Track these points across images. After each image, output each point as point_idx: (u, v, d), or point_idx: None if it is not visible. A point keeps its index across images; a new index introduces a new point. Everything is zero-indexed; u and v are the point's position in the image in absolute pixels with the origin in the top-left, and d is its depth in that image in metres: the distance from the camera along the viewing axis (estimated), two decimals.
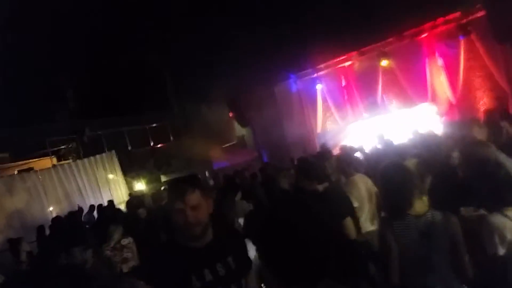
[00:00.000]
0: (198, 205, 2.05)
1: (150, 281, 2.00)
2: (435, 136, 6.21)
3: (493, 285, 2.43)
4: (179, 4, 13.76)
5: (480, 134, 3.84)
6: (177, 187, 2.12)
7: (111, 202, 10.89)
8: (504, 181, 2.39)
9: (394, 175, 2.60)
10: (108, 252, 5.40)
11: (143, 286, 1.94)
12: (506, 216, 2.33)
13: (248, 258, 2.26)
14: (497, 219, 2.33)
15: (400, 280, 2.55)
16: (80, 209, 10.66)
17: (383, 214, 2.74)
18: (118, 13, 14.35)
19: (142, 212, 7.25)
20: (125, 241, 5.49)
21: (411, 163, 3.38)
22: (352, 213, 3.77)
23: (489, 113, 7.88)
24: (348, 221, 3.64)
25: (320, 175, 3.83)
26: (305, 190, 3.61)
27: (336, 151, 9.37)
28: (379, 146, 8.15)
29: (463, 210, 2.39)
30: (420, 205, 2.55)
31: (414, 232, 2.47)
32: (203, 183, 2.26)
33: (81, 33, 14.79)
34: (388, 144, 7.99)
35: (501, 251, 2.31)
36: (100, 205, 10.77)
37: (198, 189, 2.09)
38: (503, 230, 2.29)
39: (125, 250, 5.46)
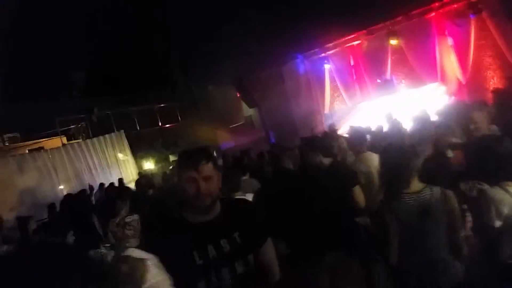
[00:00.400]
0: (210, 176, 2.04)
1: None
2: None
3: (487, 256, 2.48)
4: None
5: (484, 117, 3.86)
6: (191, 157, 2.09)
7: (120, 180, 11.09)
8: (505, 156, 2.43)
9: (392, 155, 2.69)
10: (113, 228, 5.56)
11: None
12: (506, 190, 2.37)
13: (258, 233, 2.18)
14: (496, 192, 2.37)
15: (399, 258, 2.62)
16: (91, 187, 10.84)
17: (381, 193, 2.81)
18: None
19: (151, 191, 7.37)
20: (129, 218, 5.62)
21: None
22: (359, 183, 3.80)
23: (498, 92, 7.79)
24: (357, 190, 3.69)
25: (325, 148, 3.87)
26: (310, 165, 3.65)
27: (344, 131, 9.40)
28: (387, 126, 8.13)
29: (462, 185, 2.43)
30: (417, 183, 2.62)
31: (412, 209, 2.53)
32: (215, 158, 2.21)
33: (91, 13, 14.77)
34: (395, 124, 7.98)
35: (497, 223, 2.35)
36: (110, 183, 10.95)
37: (211, 161, 2.08)
38: (500, 203, 2.33)
39: (127, 227, 5.58)
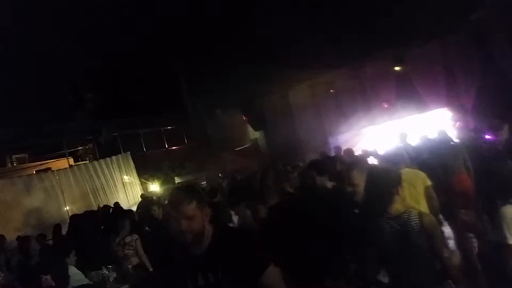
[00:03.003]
0: (192, 216, 2.12)
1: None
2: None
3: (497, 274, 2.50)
4: (197, 7, 13.90)
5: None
6: (174, 196, 2.23)
7: (117, 204, 10.94)
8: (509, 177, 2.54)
9: (376, 178, 2.75)
10: (114, 248, 5.73)
11: None
12: None
13: (254, 263, 2.16)
14: (509, 210, 2.46)
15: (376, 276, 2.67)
16: (99, 209, 10.81)
17: (363, 213, 2.86)
18: (137, 14, 14.58)
19: (156, 212, 7.38)
20: (128, 239, 5.78)
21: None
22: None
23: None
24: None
25: (331, 171, 3.89)
26: (313, 188, 3.66)
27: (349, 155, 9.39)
28: (401, 145, 8.10)
29: (463, 214, 2.47)
30: (399, 205, 2.64)
31: (391, 231, 2.58)
32: (201, 193, 2.28)
33: (103, 34, 15.07)
34: (407, 147, 7.96)
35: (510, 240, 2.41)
36: (104, 205, 10.93)
37: (195, 199, 2.15)
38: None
39: (126, 247, 5.76)
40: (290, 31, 12.12)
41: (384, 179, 2.70)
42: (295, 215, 3.17)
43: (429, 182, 4.30)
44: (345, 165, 4.73)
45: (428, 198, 4.22)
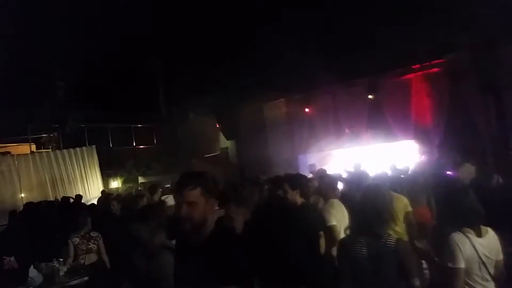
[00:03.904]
0: (194, 202, 2.09)
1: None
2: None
3: None
4: (181, 10, 13.88)
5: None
6: (180, 181, 2.17)
7: (78, 197, 10.62)
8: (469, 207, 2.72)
9: (374, 196, 2.82)
10: (76, 239, 5.66)
11: None
12: (465, 235, 2.66)
13: (236, 265, 2.09)
14: (457, 236, 2.65)
15: None
16: (56, 200, 10.44)
17: (347, 232, 2.96)
18: (120, 11, 14.40)
19: (115, 209, 7.22)
20: (94, 233, 5.77)
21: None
22: (325, 229, 3.88)
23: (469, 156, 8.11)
24: (321, 236, 3.75)
25: (304, 187, 3.96)
26: (285, 201, 3.71)
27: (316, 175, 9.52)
28: (353, 174, 8.30)
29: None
30: (384, 229, 2.77)
31: (368, 252, 2.68)
32: (209, 183, 2.21)
33: (80, 24, 14.75)
34: (361, 174, 8.15)
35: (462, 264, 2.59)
36: (64, 197, 10.54)
37: (200, 186, 2.12)
38: (463, 246, 2.60)
39: (92, 241, 5.73)
40: (273, 47, 12.28)
41: (381, 200, 2.79)
42: (265, 226, 3.19)
43: (410, 208, 4.49)
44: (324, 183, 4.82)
45: (408, 224, 4.40)
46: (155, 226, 3.28)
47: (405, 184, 6.11)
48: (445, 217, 2.83)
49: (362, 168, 8.93)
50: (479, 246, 2.63)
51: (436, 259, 2.93)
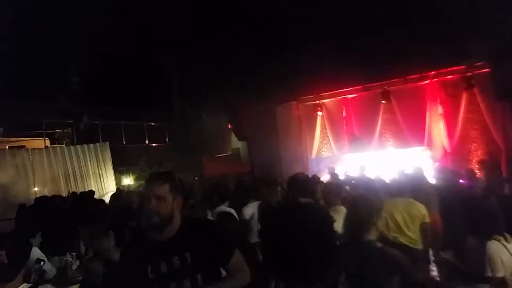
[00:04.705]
0: (162, 197, 2.21)
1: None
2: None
3: None
4: (199, 10, 13.96)
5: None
6: (152, 177, 2.35)
7: (91, 192, 10.76)
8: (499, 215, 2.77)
9: (357, 205, 2.89)
10: (86, 237, 5.60)
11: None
12: (501, 243, 2.70)
13: (221, 251, 2.32)
14: (495, 245, 2.68)
15: None
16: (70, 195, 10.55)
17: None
18: (137, 8, 14.55)
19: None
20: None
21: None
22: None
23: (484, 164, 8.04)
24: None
25: (308, 192, 3.97)
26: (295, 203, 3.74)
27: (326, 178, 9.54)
28: (357, 177, 8.30)
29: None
30: (371, 235, 2.78)
31: (358, 257, 2.70)
32: (177, 183, 2.41)
33: (98, 22, 14.93)
34: (367, 180, 8.14)
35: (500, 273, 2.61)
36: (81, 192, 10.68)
37: (168, 183, 2.26)
38: (502, 254, 2.63)
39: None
40: (287, 50, 12.31)
41: (365, 207, 2.82)
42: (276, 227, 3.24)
43: (427, 219, 4.43)
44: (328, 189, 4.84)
45: (423, 235, 4.36)
46: (96, 230, 3.30)
47: (419, 191, 6.04)
48: (473, 226, 2.83)
49: (364, 174, 8.94)
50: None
51: (468, 269, 2.94)
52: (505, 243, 2.68)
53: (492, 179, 5.20)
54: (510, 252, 2.64)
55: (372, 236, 2.77)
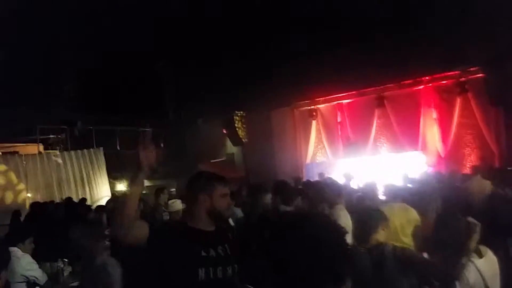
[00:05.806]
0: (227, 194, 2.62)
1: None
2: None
3: None
4: (192, 16, 13.97)
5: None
6: (223, 177, 2.65)
7: (83, 200, 10.64)
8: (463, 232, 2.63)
9: (360, 214, 3.00)
10: (86, 242, 5.56)
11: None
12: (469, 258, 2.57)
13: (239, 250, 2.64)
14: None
15: None
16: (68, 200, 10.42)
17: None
18: (130, 15, 14.52)
19: None
20: (108, 231, 5.66)
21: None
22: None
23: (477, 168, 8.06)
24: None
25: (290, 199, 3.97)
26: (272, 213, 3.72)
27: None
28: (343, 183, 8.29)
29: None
30: (378, 238, 2.81)
31: (366, 261, 2.71)
32: None
33: (91, 28, 14.88)
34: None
35: None
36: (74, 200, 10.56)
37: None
38: (467, 274, 2.51)
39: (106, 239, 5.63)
40: (282, 55, 12.33)
41: (366, 220, 2.89)
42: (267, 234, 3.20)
43: (419, 222, 4.42)
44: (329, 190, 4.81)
45: (415, 237, 4.34)
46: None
47: (413, 195, 6.03)
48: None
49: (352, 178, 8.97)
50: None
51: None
52: (474, 259, 2.49)
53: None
54: (478, 270, 2.45)
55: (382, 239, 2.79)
